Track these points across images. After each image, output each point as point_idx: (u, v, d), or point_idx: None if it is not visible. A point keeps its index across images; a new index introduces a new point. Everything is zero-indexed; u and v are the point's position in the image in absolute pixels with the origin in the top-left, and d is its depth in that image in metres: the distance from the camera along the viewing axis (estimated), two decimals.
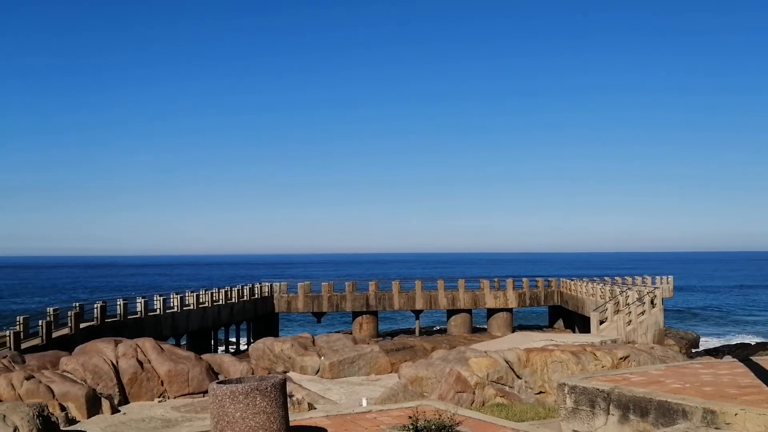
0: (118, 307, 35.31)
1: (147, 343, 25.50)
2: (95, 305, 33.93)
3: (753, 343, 55.18)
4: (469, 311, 54.57)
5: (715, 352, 46.69)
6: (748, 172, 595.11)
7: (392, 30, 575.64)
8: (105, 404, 21.46)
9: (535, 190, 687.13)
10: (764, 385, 9.25)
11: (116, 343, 25.06)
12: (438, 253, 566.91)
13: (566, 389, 10.00)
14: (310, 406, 21.40)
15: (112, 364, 23.71)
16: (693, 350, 49.23)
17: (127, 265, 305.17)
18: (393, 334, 56.81)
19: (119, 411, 21.92)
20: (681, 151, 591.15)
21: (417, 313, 55.52)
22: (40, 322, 29.60)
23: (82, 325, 31.98)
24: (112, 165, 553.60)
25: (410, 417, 8.81)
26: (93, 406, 21.00)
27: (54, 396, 20.60)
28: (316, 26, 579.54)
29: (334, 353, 31.02)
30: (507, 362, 20.95)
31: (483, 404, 18.97)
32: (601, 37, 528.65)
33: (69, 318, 31.43)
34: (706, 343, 57.34)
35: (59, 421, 17.98)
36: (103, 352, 24.29)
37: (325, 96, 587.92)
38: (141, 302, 37.08)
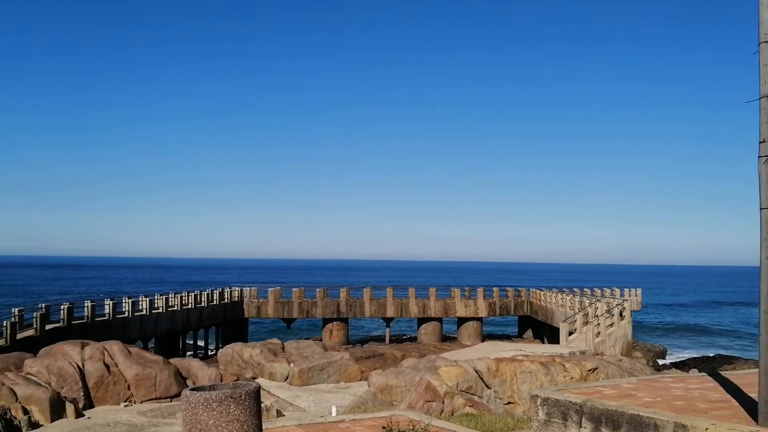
0: (85, 308, 34.79)
1: (114, 346, 25.16)
2: (62, 306, 33.39)
3: (716, 356, 55.91)
4: (439, 320, 54.66)
5: (682, 365, 47.21)
6: (718, 187, 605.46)
7: (375, 35, 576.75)
8: (69, 408, 21.10)
9: (506, 201, 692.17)
10: (734, 400, 9.34)
11: (82, 346, 24.69)
12: (410, 261, 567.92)
13: (539, 401, 10.01)
14: (279, 413, 21.25)
15: (78, 367, 23.34)
16: (660, 363, 49.73)
17: (96, 266, 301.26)
18: (363, 341, 56.69)
19: (84, 415, 21.57)
20: (652, 164, 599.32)
21: (387, 321, 55.47)
22: (4, 322, 29.00)
23: (47, 327, 31.43)
24: (89, 165, 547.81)
25: (384, 427, 8.76)
26: (57, 409, 20.64)
27: (17, 399, 20.21)
28: (310, 30, 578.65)
29: (303, 360, 30.84)
30: (477, 372, 20.99)
31: (452, 414, 18.97)
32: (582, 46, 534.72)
33: (34, 319, 30.86)
34: (673, 356, 58.00)
35: (22, 425, 17.68)
36: (68, 354, 23.91)
37: (305, 100, 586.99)
38: (109, 304, 36.60)
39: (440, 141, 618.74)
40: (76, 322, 33.70)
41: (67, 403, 21.23)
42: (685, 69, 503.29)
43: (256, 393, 7.81)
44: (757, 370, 8.08)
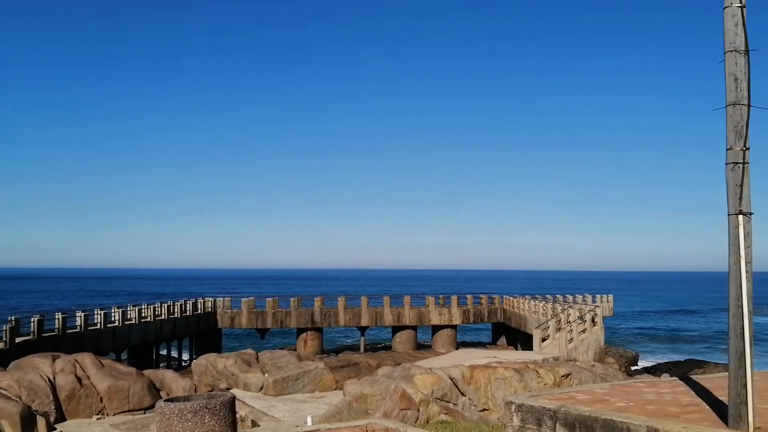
0: (56, 321, 34.31)
1: (86, 359, 24.88)
2: (32, 319, 32.90)
3: (686, 361, 56.58)
4: (414, 328, 54.70)
5: (653, 370, 47.75)
6: (689, 193, 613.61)
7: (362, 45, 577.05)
8: (40, 422, 20.82)
9: (479, 210, 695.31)
10: (704, 404, 9.47)
11: (54, 359, 24.39)
12: (384, 270, 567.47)
13: (513, 407, 10.07)
14: (254, 424, 21.13)
15: (49, 380, 23.05)
16: (632, 368, 50.22)
17: (66, 278, 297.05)
18: (338, 350, 56.52)
19: (55, 429, 21.31)
20: (624, 172, 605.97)
21: (362, 330, 55.39)
22: None
23: (17, 340, 30.97)
24: (51, 180, 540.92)
25: None
26: (28, 423, 20.34)
27: None
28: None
29: (278, 370, 30.70)
30: (451, 379, 21.04)
31: (427, 421, 19.01)
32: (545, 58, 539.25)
33: (4, 332, 30.41)
34: (644, 361, 58.56)
35: None
36: (39, 367, 23.60)
37: (283, 110, 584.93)
38: (81, 316, 36.13)
39: (410, 151, 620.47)
40: (47, 334, 33.23)
41: (38, 416, 20.95)
42: (655, 77, 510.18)
43: (231, 403, 7.83)
44: (726, 374, 8.20)
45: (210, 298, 54.16)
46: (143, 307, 43.15)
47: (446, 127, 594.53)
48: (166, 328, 45.19)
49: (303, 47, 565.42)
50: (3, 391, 21.70)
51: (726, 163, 7.96)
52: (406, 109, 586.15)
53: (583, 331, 39.06)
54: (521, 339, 50.88)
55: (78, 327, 35.71)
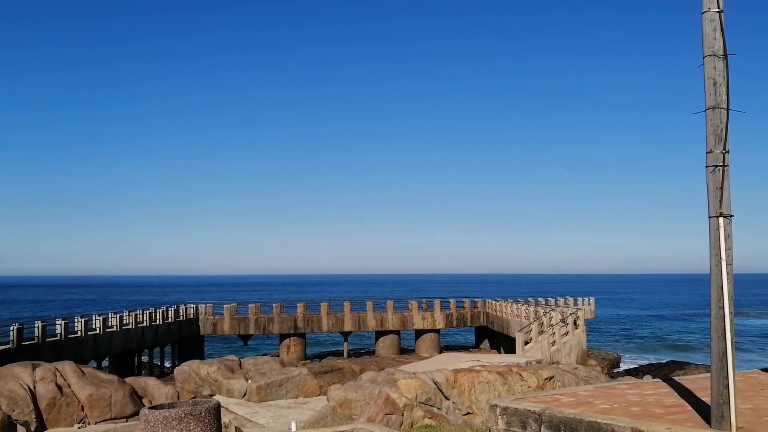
0: (36, 329, 33.92)
1: (67, 367, 24.65)
2: (11, 327, 32.51)
3: (668, 363, 57.01)
4: (397, 332, 54.70)
5: (635, 372, 48.01)
6: (673, 195, 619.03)
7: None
8: (20, 431, 20.60)
9: (460, 213, 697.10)
10: (688, 405, 9.56)
11: (34, 367, 24.14)
12: (367, 275, 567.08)
13: (498, 410, 10.09)
14: (237, 430, 21.02)
15: (29, 389, 22.80)
16: (614, 370, 50.47)
17: (49, 285, 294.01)
18: (321, 356, 56.34)
19: None
20: (608, 174, 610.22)
21: (345, 335, 55.31)
22: None
23: None
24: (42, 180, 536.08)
25: None
26: None
27: None
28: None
29: (261, 376, 30.57)
30: (435, 383, 21.06)
31: (412, 426, 19.02)
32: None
33: None
34: (626, 363, 58.89)
35: None
36: (19, 376, 23.34)
37: (264, 114, 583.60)
38: (61, 324, 35.76)
39: (392, 154, 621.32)
40: (27, 343, 32.85)
41: (18, 426, 20.75)
42: (643, 77, 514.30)
43: (217, 410, 7.79)
44: (708, 374, 8.30)
45: (192, 305, 53.85)
46: (124, 314, 42.82)
47: (433, 131, 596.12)
48: (148, 335, 44.87)
49: (298, 48, 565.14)
50: None
51: (706, 166, 8.04)
52: (383, 112, 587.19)
53: (566, 333, 39.22)
54: (504, 342, 51.01)
55: (58, 335, 35.34)
